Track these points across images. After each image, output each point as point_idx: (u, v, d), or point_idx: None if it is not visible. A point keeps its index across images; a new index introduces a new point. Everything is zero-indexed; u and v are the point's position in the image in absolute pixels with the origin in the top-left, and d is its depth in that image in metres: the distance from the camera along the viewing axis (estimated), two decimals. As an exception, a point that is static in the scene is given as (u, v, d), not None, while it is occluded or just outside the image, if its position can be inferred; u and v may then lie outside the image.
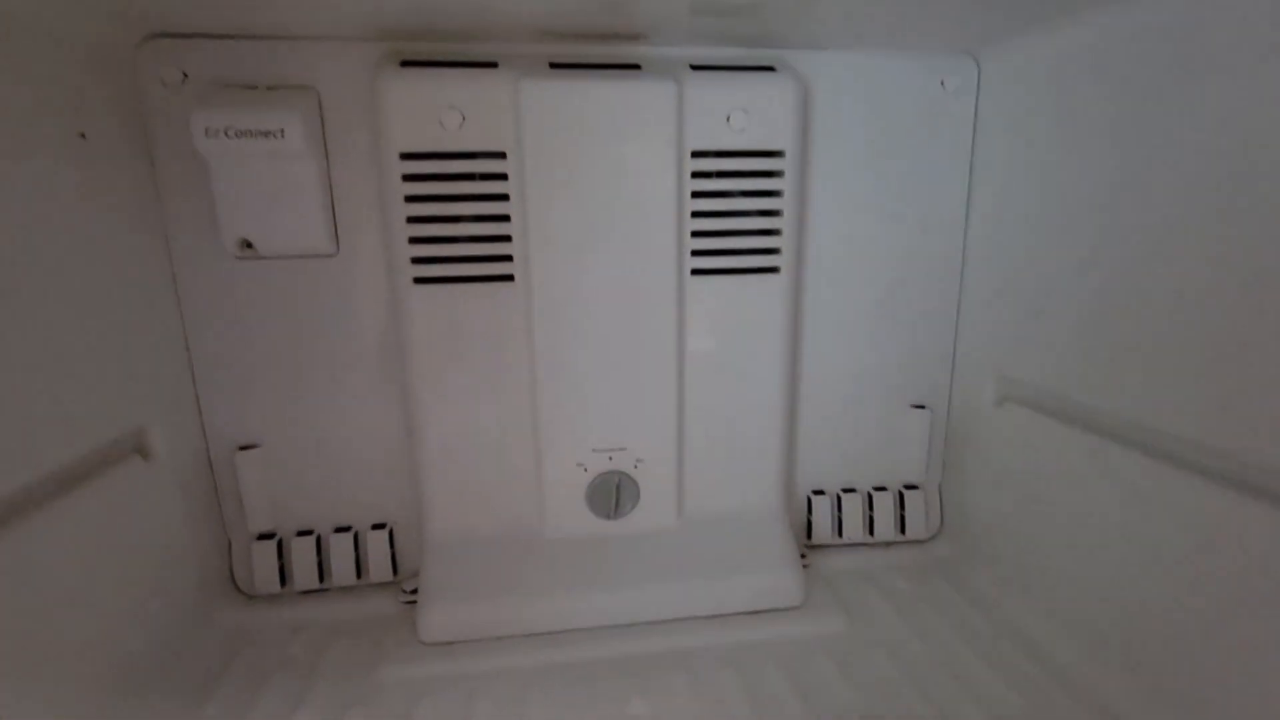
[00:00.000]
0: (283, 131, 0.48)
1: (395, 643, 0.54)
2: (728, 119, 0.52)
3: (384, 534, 0.60)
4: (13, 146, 0.38)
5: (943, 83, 0.58)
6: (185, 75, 0.50)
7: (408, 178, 0.50)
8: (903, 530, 0.66)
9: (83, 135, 0.43)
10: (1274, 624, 0.36)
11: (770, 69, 0.54)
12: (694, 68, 0.53)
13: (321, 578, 0.59)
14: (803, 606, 0.58)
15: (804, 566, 0.60)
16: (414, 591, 0.58)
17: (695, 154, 0.53)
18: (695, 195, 0.53)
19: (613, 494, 0.57)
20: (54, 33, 0.42)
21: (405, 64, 0.50)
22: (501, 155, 0.51)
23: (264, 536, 0.58)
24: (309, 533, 0.59)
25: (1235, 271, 0.38)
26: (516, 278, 0.53)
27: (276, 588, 0.58)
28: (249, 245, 0.52)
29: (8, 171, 0.38)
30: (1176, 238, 0.41)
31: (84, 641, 0.42)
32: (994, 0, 0.46)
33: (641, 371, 0.56)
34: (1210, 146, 0.39)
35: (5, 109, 0.38)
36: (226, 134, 0.47)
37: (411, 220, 0.51)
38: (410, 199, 0.51)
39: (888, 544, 0.66)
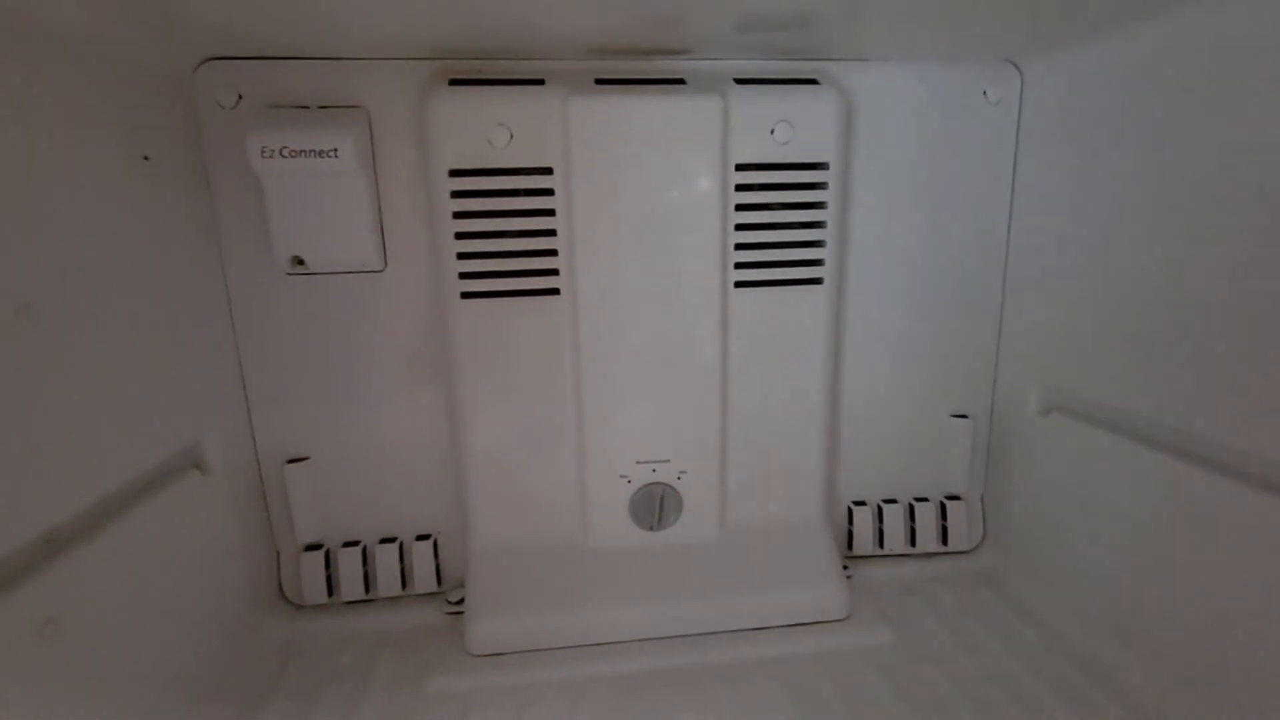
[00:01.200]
0: (335, 151, 0.49)
1: (443, 654, 0.54)
2: (771, 132, 0.53)
3: (429, 545, 0.60)
4: (83, 170, 0.39)
5: (985, 93, 0.58)
6: (240, 96, 0.51)
7: (456, 194, 0.51)
8: (945, 541, 0.65)
9: (146, 158, 0.44)
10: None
11: (813, 81, 0.54)
12: (738, 81, 0.53)
13: (367, 588, 0.60)
14: (848, 619, 0.57)
15: (847, 578, 0.60)
16: (459, 602, 0.58)
17: (739, 167, 0.53)
18: (739, 208, 0.54)
19: (656, 505, 0.57)
20: (121, 61, 0.43)
21: (454, 82, 0.51)
22: (548, 171, 0.51)
23: (311, 547, 0.59)
24: (355, 543, 0.60)
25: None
26: (562, 291, 0.54)
27: (324, 598, 0.59)
28: (300, 261, 0.53)
29: (79, 195, 0.39)
30: (1223, 247, 0.41)
31: (144, 653, 0.43)
32: (1039, 11, 0.46)
33: (684, 383, 0.56)
34: (1257, 157, 0.38)
35: (78, 134, 0.39)
36: (281, 153, 0.48)
37: (459, 236, 0.52)
38: (458, 215, 0.51)
39: (930, 555, 0.66)
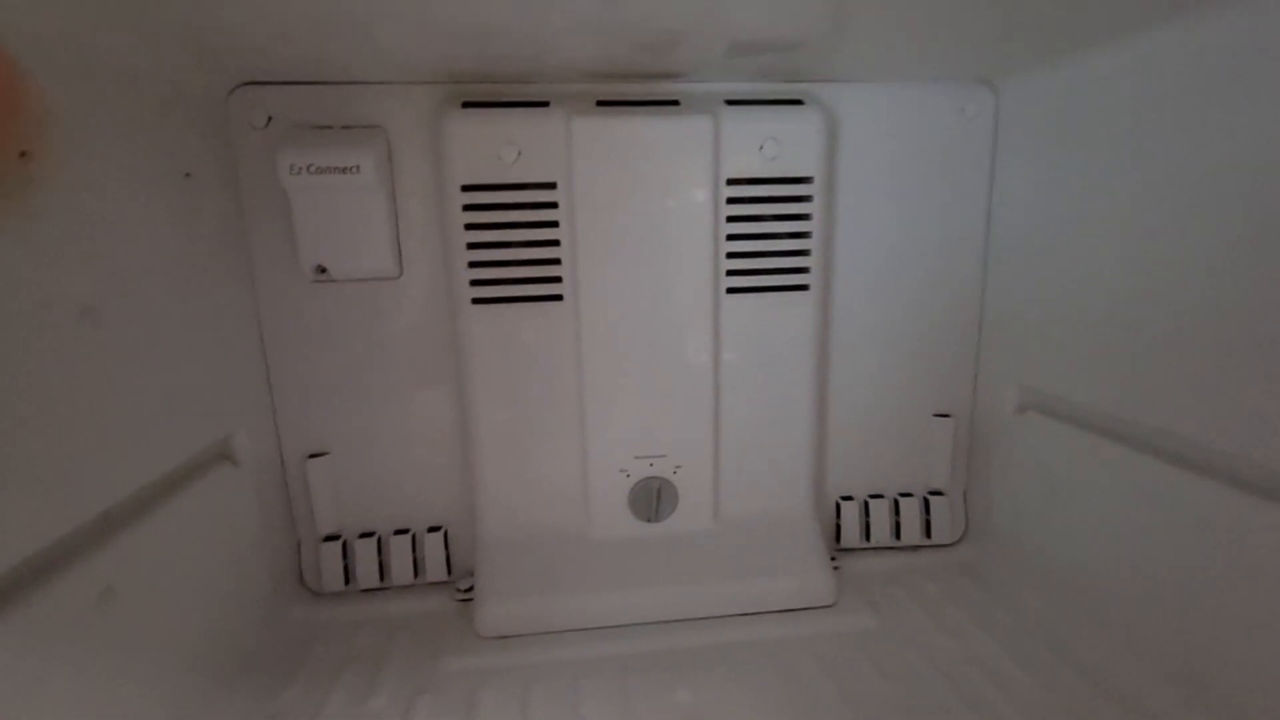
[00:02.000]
0: (358, 167, 0.53)
1: (454, 637, 0.58)
2: (760, 149, 0.57)
3: (440, 536, 0.64)
4: (135, 187, 0.43)
5: (962, 110, 0.62)
6: (270, 118, 0.55)
7: (468, 207, 0.55)
8: (928, 534, 0.69)
9: (188, 175, 0.49)
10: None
11: (798, 102, 0.58)
12: (729, 102, 0.57)
13: (382, 577, 0.63)
14: (834, 606, 0.61)
15: (835, 569, 0.63)
16: (468, 590, 0.62)
17: (730, 181, 0.57)
18: (730, 219, 0.58)
19: (653, 498, 0.61)
20: (167, 87, 0.47)
21: (466, 105, 0.55)
22: (553, 186, 0.55)
23: (330, 538, 0.63)
24: (370, 534, 0.63)
25: (1249, 284, 0.40)
26: (565, 297, 0.57)
27: (341, 586, 0.63)
28: (323, 270, 0.57)
29: (131, 209, 0.43)
30: (1190, 254, 0.44)
31: (182, 628, 0.47)
32: (1010, 35, 0.50)
33: (680, 383, 0.60)
34: (1221, 168, 0.42)
35: (130, 154, 0.43)
36: (308, 170, 0.53)
37: (470, 246, 0.56)
38: (470, 226, 0.55)
39: (914, 548, 0.69)
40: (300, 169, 0.52)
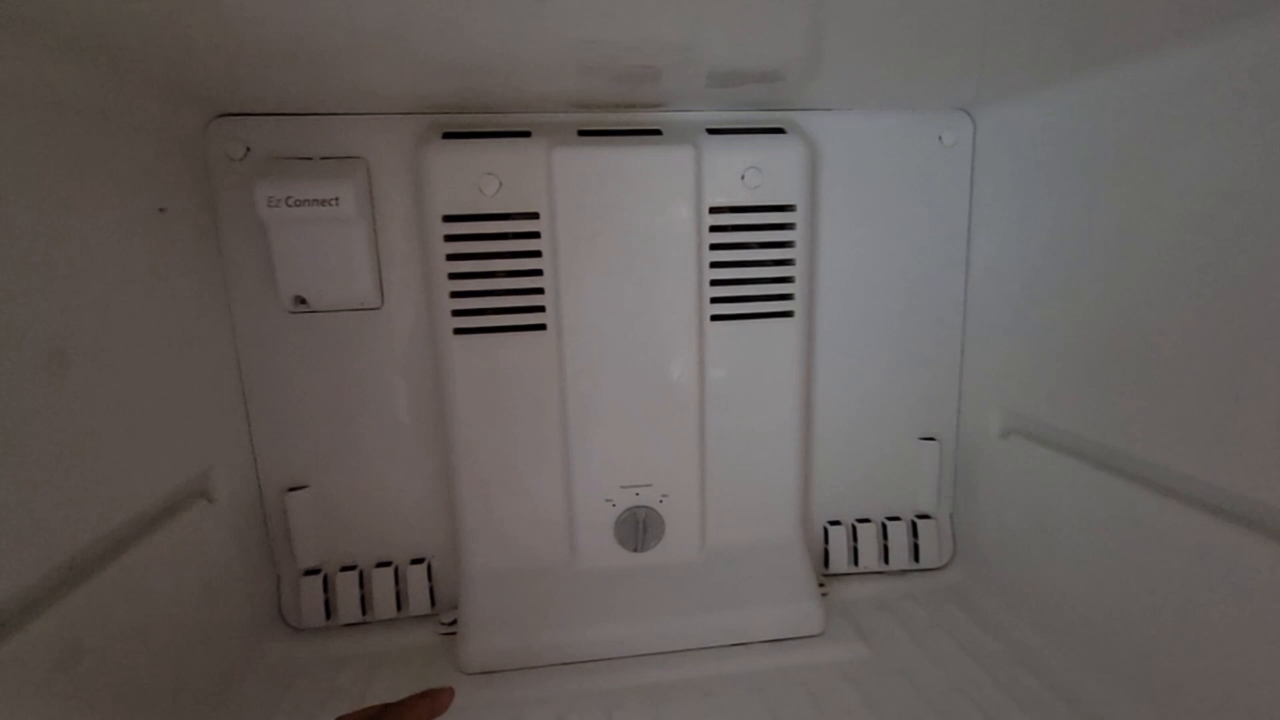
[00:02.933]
0: (337, 199, 0.53)
1: (437, 672, 0.57)
2: (742, 177, 0.57)
3: (423, 568, 0.63)
4: (105, 226, 0.43)
5: (940, 137, 0.62)
6: (248, 149, 0.55)
7: (449, 238, 0.55)
8: (917, 558, 0.68)
9: (162, 210, 0.48)
10: (1274, 651, 0.39)
11: (780, 130, 0.58)
12: (710, 131, 0.57)
13: (364, 610, 0.62)
14: (823, 635, 0.60)
15: (822, 595, 0.63)
16: (452, 623, 0.61)
17: (713, 209, 0.57)
18: (714, 247, 0.58)
19: (639, 528, 0.60)
20: (140, 121, 0.46)
21: (447, 135, 0.55)
22: (535, 215, 0.55)
23: (310, 572, 0.62)
24: (352, 568, 0.62)
25: (1227, 311, 0.41)
26: (549, 327, 0.57)
27: (322, 621, 0.62)
28: (302, 301, 0.57)
29: (101, 248, 0.42)
30: (1168, 282, 0.45)
31: (153, 674, 0.45)
32: (985, 67, 0.50)
33: (665, 412, 0.59)
34: (1197, 194, 0.42)
35: (100, 193, 0.43)
36: (287, 203, 0.52)
37: (452, 276, 0.55)
38: (451, 257, 0.55)
39: (903, 572, 0.69)
40: (278, 201, 0.52)
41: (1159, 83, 0.44)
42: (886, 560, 0.68)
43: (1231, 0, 0.35)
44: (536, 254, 0.56)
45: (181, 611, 0.49)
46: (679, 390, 0.59)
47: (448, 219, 0.54)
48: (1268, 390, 0.38)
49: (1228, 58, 0.39)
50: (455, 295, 0.56)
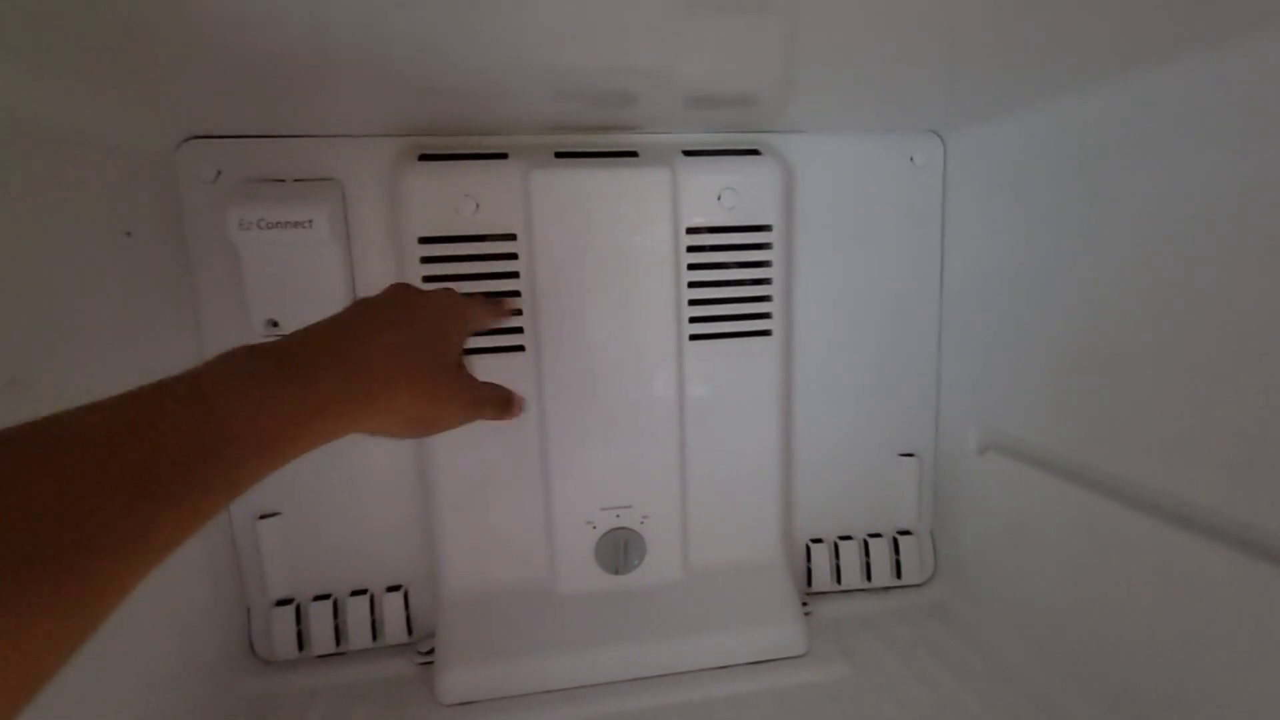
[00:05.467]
0: (311, 222, 0.52)
1: (414, 705, 0.55)
2: (718, 198, 0.57)
3: (399, 595, 0.61)
4: (69, 251, 0.42)
5: (912, 159, 0.64)
6: (219, 172, 0.54)
7: (426, 259, 0.54)
8: (899, 575, 0.68)
9: (129, 234, 0.47)
10: (1251, 669, 0.39)
11: (755, 152, 0.59)
12: (686, 153, 0.58)
13: (338, 640, 0.60)
14: (807, 655, 0.60)
15: (806, 614, 0.62)
16: (430, 652, 0.59)
17: (690, 230, 0.57)
18: (691, 267, 0.58)
19: (621, 550, 0.60)
20: (107, 143, 0.46)
21: (423, 157, 0.54)
22: (512, 237, 0.55)
23: (282, 602, 0.60)
24: (326, 596, 0.61)
25: (1200, 329, 0.41)
26: (526, 347, 0.57)
27: (295, 653, 0.60)
28: (275, 324, 0.56)
29: (64, 274, 0.41)
30: (1133, 300, 0.46)
31: (118, 715, 0.44)
32: (954, 92, 0.51)
33: (645, 432, 0.59)
34: (1165, 213, 0.43)
35: (64, 217, 0.42)
36: (259, 225, 0.51)
37: (429, 298, 0.55)
38: (428, 279, 0.54)
39: (885, 589, 0.69)
40: (250, 224, 0.51)
41: (1123, 104, 0.46)
42: (869, 577, 0.68)
43: (1186, 29, 0.37)
44: (514, 275, 0.56)
45: (148, 648, 0.47)
46: (659, 410, 0.59)
47: (424, 240, 0.54)
48: (1229, 404, 0.39)
49: (1185, 81, 0.41)
50: (432, 317, 0.55)
